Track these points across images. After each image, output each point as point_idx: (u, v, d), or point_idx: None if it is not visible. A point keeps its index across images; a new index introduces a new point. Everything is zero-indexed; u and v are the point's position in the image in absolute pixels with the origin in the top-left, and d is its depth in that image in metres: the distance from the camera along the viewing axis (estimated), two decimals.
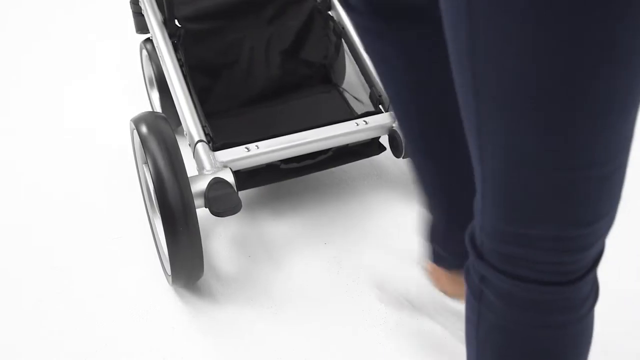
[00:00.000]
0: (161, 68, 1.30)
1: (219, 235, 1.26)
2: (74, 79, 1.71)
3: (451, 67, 0.53)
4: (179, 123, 1.33)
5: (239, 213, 1.30)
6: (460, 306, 0.93)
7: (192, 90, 1.20)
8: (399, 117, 0.83)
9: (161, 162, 1.00)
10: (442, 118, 0.78)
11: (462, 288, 0.86)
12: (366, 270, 1.19)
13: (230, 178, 1.07)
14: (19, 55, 1.81)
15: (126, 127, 1.51)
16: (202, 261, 1.06)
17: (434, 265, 0.94)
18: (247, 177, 1.17)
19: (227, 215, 1.05)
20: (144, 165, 1.13)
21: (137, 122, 1.07)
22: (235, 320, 1.11)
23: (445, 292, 0.94)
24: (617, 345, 1.05)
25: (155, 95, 1.47)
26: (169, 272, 1.09)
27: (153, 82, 1.45)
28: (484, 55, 0.49)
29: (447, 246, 0.90)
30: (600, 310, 0.66)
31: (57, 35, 1.88)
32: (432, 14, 0.72)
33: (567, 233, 0.55)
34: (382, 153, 1.27)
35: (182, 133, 1.22)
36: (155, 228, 1.17)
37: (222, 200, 1.04)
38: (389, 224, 1.28)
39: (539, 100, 0.48)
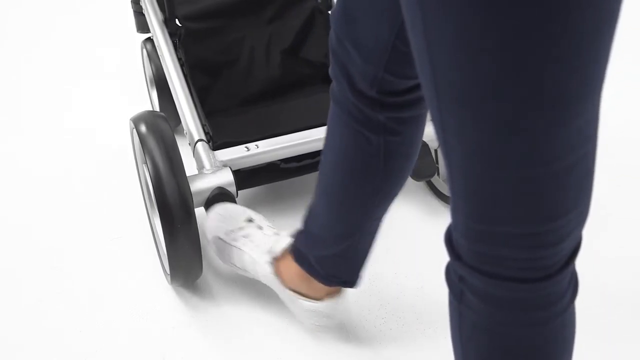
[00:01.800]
0: (162, 67, 1.30)
1: None
2: (73, 78, 1.71)
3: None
4: (179, 122, 1.33)
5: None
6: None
7: (192, 89, 1.20)
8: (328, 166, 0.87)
9: (160, 161, 1.00)
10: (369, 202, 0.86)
11: (317, 290, 0.96)
12: (367, 269, 1.19)
13: (229, 177, 1.07)
14: (20, 55, 1.81)
15: (126, 127, 1.52)
16: (201, 260, 1.05)
17: (294, 264, 0.97)
18: (247, 176, 1.17)
19: None
20: (143, 164, 1.13)
21: (136, 121, 1.07)
22: (234, 319, 1.11)
23: (295, 290, 0.98)
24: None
25: (156, 94, 1.48)
26: (168, 271, 1.09)
27: (154, 82, 1.45)
28: (438, 52, 0.49)
29: (324, 265, 0.94)
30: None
31: (57, 35, 1.88)
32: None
33: (536, 229, 0.55)
34: None
35: (182, 132, 1.22)
36: (155, 227, 1.17)
37: (221, 196, 1.05)
38: (389, 222, 1.28)
39: (490, 97, 0.48)
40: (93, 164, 1.44)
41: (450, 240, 0.62)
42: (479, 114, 0.50)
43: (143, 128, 1.04)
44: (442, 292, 1.15)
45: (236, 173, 1.13)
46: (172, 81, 1.21)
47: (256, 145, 1.13)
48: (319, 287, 0.96)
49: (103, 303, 1.14)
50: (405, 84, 0.74)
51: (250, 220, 1.06)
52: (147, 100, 1.58)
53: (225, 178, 1.07)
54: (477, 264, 0.58)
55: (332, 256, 0.93)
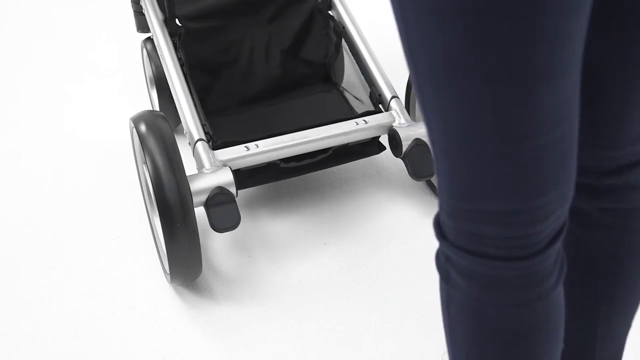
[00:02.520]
0: (162, 67, 1.30)
1: (217, 234, 1.26)
2: (74, 79, 1.71)
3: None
4: (178, 122, 1.33)
5: (243, 213, 1.30)
6: None
7: (192, 89, 1.20)
8: None
9: (159, 161, 1.00)
10: None
11: None
12: (366, 269, 1.19)
13: (229, 177, 1.08)
14: (19, 56, 1.81)
15: (126, 126, 1.51)
16: (200, 259, 1.06)
17: None
18: (247, 176, 1.17)
19: (226, 232, 1.05)
20: (143, 164, 1.13)
21: (136, 121, 1.07)
22: (234, 319, 1.11)
23: None
24: None
25: (156, 94, 1.48)
26: (167, 271, 1.09)
27: (153, 81, 1.45)
28: (412, 31, 0.51)
29: None
30: None
31: (58, 35, 1.88)
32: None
33: (517, 206, 0.55)
34: (382, 152, 1.27)
35: (182, 132, 1.22)
36: (155, 226, 1.17)
37: (220, 216, 1.05)
38: (389, 223, 1.28)
39: (462, 73, 0.49)
40: (93, 164, 1.44)
41: (437, 221, 0.62)
42: (453, 92, 0.51)
43: (143, 128, 1.04)
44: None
45: (236, 173, 1.13)
46: (172, 81, 1.21)
47: (256, 144, 1.14)
48: None
49: (103, 303, 1.14)
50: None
51: None
52: (147, 100, 1.58)
53: (225, 177, 1.07)
54: (461, 243, 0.59)
55: None
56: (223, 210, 1.04)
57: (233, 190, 1.08)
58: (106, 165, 1.43)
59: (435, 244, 1.22)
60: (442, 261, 0.63)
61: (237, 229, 1.26)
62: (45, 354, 1.06)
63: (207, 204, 1.05)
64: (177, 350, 1.06)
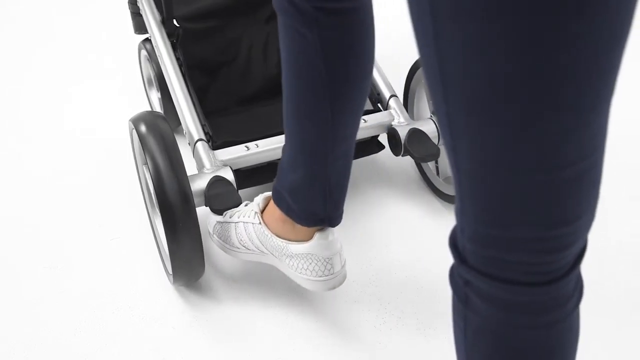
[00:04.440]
0: (160, 68, 1.30)
1: None
2: (74, 79, 1.71)
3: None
4: (178, 123, 1.33)
5: None
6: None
7: (190, 89, 1.21)
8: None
9: (160, 161, 1.00)
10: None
11: (302, 234, 0.96)
12: (367, 269, 1.19)
13: (230, 176, 1.08)
14: (19, 57, 1.81)
15: (126, 127, 1.51)
16: (203, 259, 1.05)
17: (276, 208, 0.98)
18: (247, 175, 1.17)
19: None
20: (143, 165, 1.13)
21: (135, 121, 1.07)
22: (235, 319, 1.11)
23: (278, 235, 0.99)
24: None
25: (154, 95, 1.47)
26: (170, 271, 1.09)
27: (152, 82, 1.45)
28: (448, 60, 0.49)
29: (298, 201, 0.94)
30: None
31: (57, 36, 1.88)
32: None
33: (547, 234, 0.55)
34: (381, 151, 1.27)
35: (181, 132, 1.22)
36: (156, 227, 1.18)
37: (221, 198, 1.05)
38: (389, 222, 1.28)
39: (503, 103, 0.48)
40: (93, 164, 1.44)
41: (455, 243, 0.62)
42: (492, 121, 0.50)
43: (143, 128, 1.04)
44: (442, 292, 1.16)
45: (236, 172, 1.13)
46: (170, 81, 1.21)
47: (256, 144, 1.14)
48: (302, 230, 0.96)
49: (103, 303, 1.14)
50: None
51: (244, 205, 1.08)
52: (146, 101, 1.58)
53: (226, 177, 1.08)
54: (483, 268, 0.58)
55: (302, 189, 0.92)
56: (222, 192, 1.05)
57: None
58: (106, 165, 1.43)
59: (436, 244, 1.22)
60: (460, 284, 0.62)
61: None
62: (45, 354, 1.06)
63: (207, 189, 1.05)
64: (177, 350, 1.06)
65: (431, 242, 1.23)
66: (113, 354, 1.05)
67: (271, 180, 1.19)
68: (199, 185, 1.06)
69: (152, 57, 1.37)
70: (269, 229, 1.00)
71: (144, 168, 1.13)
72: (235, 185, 1.07)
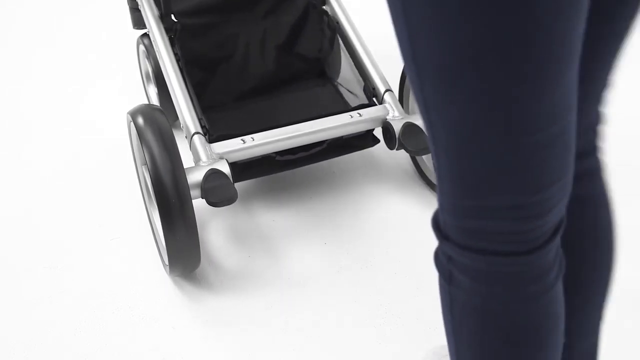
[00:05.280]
0: (158, 63, 1.30)
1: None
2: (74, 80, 1.71)
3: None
4: (176, 117, 1.34)
5: (235, 205, 1.31)
6: None
7: (188, 83, 1.21)
8: None
9: (157, 153, 1.01)
10: None
11: None
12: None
13: (226, 169, 1.08)
14: (20, 58, 1.81)
15: (125, 128, 1.51)
16: (199, 250, 1.06)
17: None
18: (243, 168, 1.18)
19: (223, 206, 1.06)
20: (140, 158, 1.13)
21: (133, 114, 1.07)
22: (235, 319, 1.10)
23: None
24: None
25: (152, 90, 1.48)
26: (166, 262, 1.09)
27: (150, 77, 1.45)
28: (417, 31, 0.51)
29: None
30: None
31: (58, 38, 1.88)
32: None
33: (522, 201, 0.56)
34: (376, 145, 1.26)
35: (179, 127, 1.21)
36: (153, 219, 1.18)
37: (218, 190, 1.05)
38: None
39: (471, 71, 0.50)
40: (93, 164, 1.44)
41: (437, 222, 0.63)
42: (461, 89, 0.51)
43: (141, 121, 1.05)
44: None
45: (232, 165, 1.14)
46: (168, 76, 1.22)
47: (252, 137, 1.14)
48: None
49: (103, 303, 1.14)
50: None
51: None
52: (144, 97, 1.57)
53: (222, 170, 1.08)
54: (464, 241, 0.59)
55: None
56: (218, 185, 1.05)
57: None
58: (106, 165, 1.43)
59: (436, 244, 1.21)
60: (444, 262, 0.62)
61: (234, 221, 1.26)
62: (45, 354, 1.05)
63: (203, 182, 1.06)
64: (177, 350, 1.05)
65: (431, 242, 1.22)
66: (113, 354, 1.05)
67: (266, 174, 1.21)
68: (195, 177, 1.06)
69: (150, 52, 1.37)
70: None
71: (141, 161, 1.13)
72: (231, 178, 1.08)
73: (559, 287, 0.62)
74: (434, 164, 0.59)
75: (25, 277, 1.19)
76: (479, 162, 0.54)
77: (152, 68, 1.38)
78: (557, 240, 0.60)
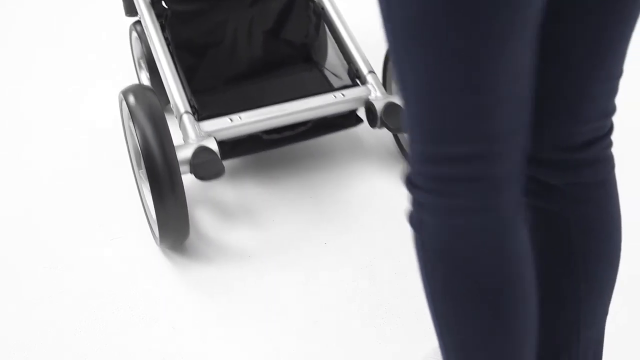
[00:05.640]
0: (150, 49, 1.33)
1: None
2: (72, 80, 1.71)
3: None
4: (167, 101, 1.35)
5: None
6: None
7: (178, 67, 1.24)
8: None
9: (148, 130, 1.05)
10: None
11: None
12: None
13: (214, 146, 1.13)
14: (20, 58, 1.82)
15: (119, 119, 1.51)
16: (188, 222, 1.10)
17: None
18: (231, 147, 1.23)
19: (211, 180, 1.12)
20: (132, 134, 1.17)
21: (125, 93, 1.11)
22: (234, 320, 1.09)
23: None
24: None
25: (145, 75, 1.51)
26: (157, 234, 1.14)
27: (142, 63, 1.49)
28: None
29: None
30: None
31: (55, 38, 1.89)
32: None
33: (478, 149, 0.61)
34: (360, 125, 1.32)
35: (171, 111, 1.23)
36: (144, 194, 1.22)
37: (206, 165, 1.10)
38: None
39: (441, 30, 0.56)
40: (94, 165, 1.44)
41: (409, 177, 0.67)
42: (432, 46, 0.57)
43: (132, 99, 1.09)
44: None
45: (221, 144, 1.19)
46: (159, 60, 1.25)
47: (239, 117, 1.19)
48: None
49: (103, 303, 1.13)
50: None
51: None
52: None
53: (210, 146, 1.12)
54: (431, 186, 0.65)
55: None
56: (206, 160, 1.10)
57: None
58: (107, 165, 1.43)
59: None
60: (415, 213, 0.67)
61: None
62: (45, 354, 1.05)
63: (192, 158, 1.10)
64: (177, 350, 1.04)
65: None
66: (113, 354, 1.04)
67: (253, 152, 1.26)
68: (184, 154, 1.11)
69: (142, 39, 1.41)
70: None
71: (132, 138, 1.17)
72: (219, 155, 1.12)
73: (522, 234, 0.67)
74: (405, 118, 0.64)
75: (25, 277, 1.19)
76: (444, 111, 0.60)
77: (144, 54, 1.42)
78: (516, 193, 0.66)
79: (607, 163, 0.72)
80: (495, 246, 0.64)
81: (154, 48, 1.25)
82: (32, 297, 1.15)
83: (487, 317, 0.66)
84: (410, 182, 0.66)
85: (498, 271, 0.65)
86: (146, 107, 1.06)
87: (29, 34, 1.93)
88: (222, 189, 1.33)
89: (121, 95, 1.13)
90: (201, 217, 1.28)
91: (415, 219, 0.67)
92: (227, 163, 1.36)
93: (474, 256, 0.65)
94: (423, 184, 0.65)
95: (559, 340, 0.78)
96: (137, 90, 1.11)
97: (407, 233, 1.23)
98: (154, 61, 1.31)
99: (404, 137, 1.37)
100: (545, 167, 0.72)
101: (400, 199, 1.30)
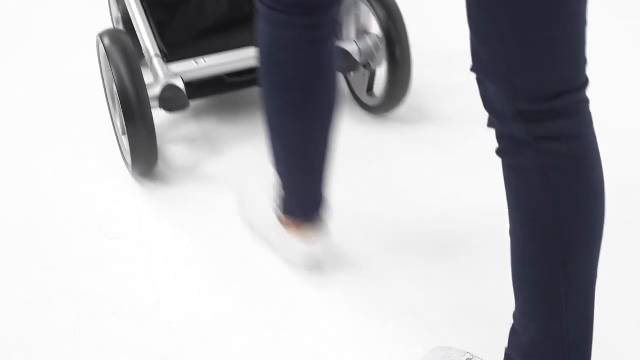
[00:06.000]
0: (126, 8, 1.45)
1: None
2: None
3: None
4: (143, 57, 1.44)
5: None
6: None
7: (151, 21, 1.37)
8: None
9: (122, 67, 1.21)
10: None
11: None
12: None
13: (180, 84, 1.29)
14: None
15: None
16: (157, 150, 1.28)
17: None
18: (197, 88, 1.38)
19: (177, 111, 1.30)
20: (108, 72, 1.31)
21: (102, 36, 1.28)
22: (234, 322, 1.10)
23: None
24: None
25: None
26: (129, 162, 1.31)
27: (119, 22, 1.63)
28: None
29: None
30: None
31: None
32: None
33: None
34: None
35: (146, 66, 1.34)
36: (117, 125, 1.38)
37: (172, 99, 1.27)
38: (388, 223, 1.27)
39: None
40: (93, 164, 1.44)
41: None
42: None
43: (107, 41, 1.26)
44: (442, 292, 1.16)
45: (187, 85, 1.33)
46: (134, 16, 1.39)
47: (204, 60, 1.36)
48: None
49: (103, 303, 1.14)
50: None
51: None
52: None
53: (177, 84, 1.29)
54: (268, 2, 0.90)
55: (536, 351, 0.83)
56: (173, 96, 1.28)
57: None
58: (107, 165, 1.43)
59: (437, 245, 1.21)
60: (258, 21, 0.91)
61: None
62: (45, 354, 1.06)
63: (161, 93, 1.28)
64: (177, 350, 1.05)
65: (433, 242, 1.22)
66: (113, 354, 1.05)
67: (217, 94, 1.48)
68: (154, 92, 1.28)
69: (119, 0, 1.57)
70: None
71: (108, 76, 1.33)
72: (184, 92, 1.28)
73: (331, 51, 0.95)
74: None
75: (25, 277, 1.19)
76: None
77: (121, 13, 1.57)
78: (332, 13, 0.91)
79: (580, 117, 0.73)
80: (308, 56, 0.91)
81: (129, 5, 1.42)
82: (32, 297, 1.15)
83: (293, 106, 0.95)
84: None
85: (305, 74, 0.92)
86: (120, 47, 1.23)
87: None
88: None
89: (98, 38, 1.29)
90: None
91: (258, 27, 0.92)
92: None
93: (289, 60, 0.92)
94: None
95: (544, 306, 0.79)
96: (112, 32, 1.28)
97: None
98: (130, 20, 1.44)
99: (354, 80, 1.57)
100: (514, 120, 0.73)
101: (425, 230, 1.28)
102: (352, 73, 1.53)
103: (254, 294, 1.15)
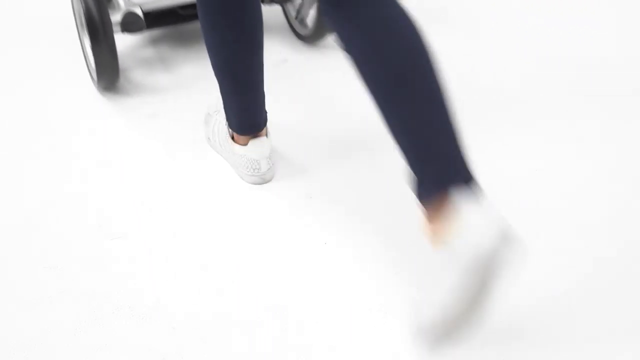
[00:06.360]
0: None
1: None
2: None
3: None
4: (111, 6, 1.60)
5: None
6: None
7: None
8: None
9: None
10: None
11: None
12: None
13: (139, 12, 1.50)
14: None
15: (124, 134, 1.51)
16: (118, 66, 1.49)
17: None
18: (154, 18, 1.58)
19: (135, 32, 1.51)
20: (77, 1, 1.53)
21: None
22: (233, 322, 1.10)
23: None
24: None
25: None
26: (95, 78, 1.51)
27: None
28: None
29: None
30: None
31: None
32: None
33: None
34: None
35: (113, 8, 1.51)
36: (85, 47, 1.59)
37: (132, 23, 1.49)
38: (388, 224, 1.27)
39: None
40: (93, 164, 1.44)
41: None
42: None
43: None
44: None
45: (146, 15, 1.54)
46: None
47: None
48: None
49: (103, 303, 1.14)
50: None
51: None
52: None
53: (136, 11, 1.49)
54: None
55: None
56: (132, 21, 1.49)
57: (142, 23, 1.49)
58: (107, 165, 1.43)
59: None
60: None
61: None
62: (45, 354, 1.05)
63: (121, 18, 1.49)
64: (177, 350, 1.05)
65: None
66: (113, 354, 1.05)
67: (171, 25, 1.65)
68: (116, 18, 1.50)
69: None
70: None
71: (78, 3, 1.54)
72: (142, 18, 1.49)
73: (257, 8, 1.13)
74: None
75: (25, 277, 1.19)
76: None
77: None
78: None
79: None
80: (238, 14, 1.09)
81: None
82: (32, 297, 1.15)
83: (220, 30, 1.13)
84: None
85: (234, 23, 1.11)
86: None
87: None
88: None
89: None
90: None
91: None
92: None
93: (223, 11, 1.10)
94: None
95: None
96: None
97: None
98: None
99: (289, 12, 1.74)
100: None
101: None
102: (287, 4, 1.74)
103: (254, 294, 1.15)
